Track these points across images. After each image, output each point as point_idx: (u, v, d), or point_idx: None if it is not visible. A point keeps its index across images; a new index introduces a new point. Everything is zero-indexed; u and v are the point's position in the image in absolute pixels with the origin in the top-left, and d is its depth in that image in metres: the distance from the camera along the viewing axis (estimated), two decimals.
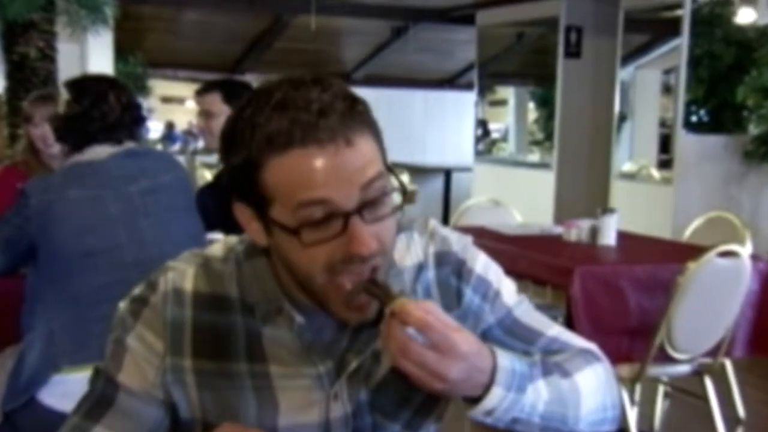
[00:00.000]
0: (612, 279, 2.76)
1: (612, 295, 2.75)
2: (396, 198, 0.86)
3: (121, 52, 5.79)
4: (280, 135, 0.80)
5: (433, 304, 0.84)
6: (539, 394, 0.88)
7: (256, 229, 0.86)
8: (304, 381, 0.90)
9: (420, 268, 0.96)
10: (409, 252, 0.95)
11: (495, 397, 0.84)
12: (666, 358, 2.74)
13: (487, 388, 0.84)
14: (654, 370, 2.79)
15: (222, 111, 2.45)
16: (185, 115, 11.17)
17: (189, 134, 10.46)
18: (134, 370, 0.90)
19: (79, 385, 0.96)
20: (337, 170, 0.80)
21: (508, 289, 1.00)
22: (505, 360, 0.86)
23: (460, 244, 0.98)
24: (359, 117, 0.82)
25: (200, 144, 7.88)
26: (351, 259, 0.81)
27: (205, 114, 2.51)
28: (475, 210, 4.09)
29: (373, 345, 0.90)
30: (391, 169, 0.86)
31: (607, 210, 3.32)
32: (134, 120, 1.92)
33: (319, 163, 0.79)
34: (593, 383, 0.94)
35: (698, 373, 2.88)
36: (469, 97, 7.65)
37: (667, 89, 5.89)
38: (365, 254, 0.81)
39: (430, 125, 9.08)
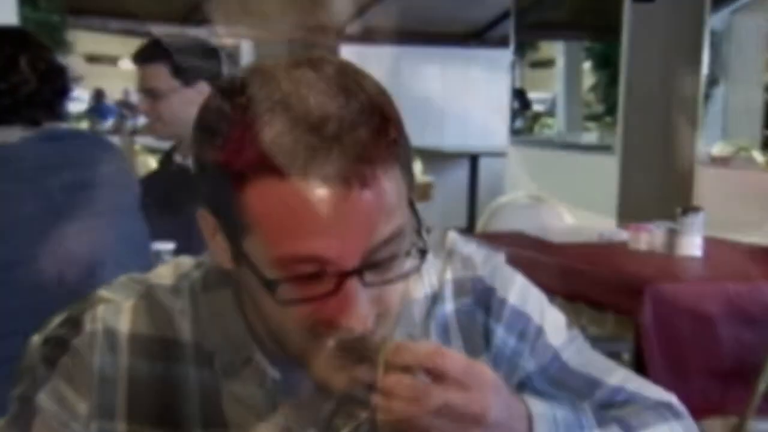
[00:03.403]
0: (697, 302, 2.77)
1: (697, 324, 2.75)
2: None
3: None
4: (278, 152, 0.77)
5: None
6: None
7: (222, 246, 0.86)
8: None
9: (434, 299, 0.96)
10: (421, 278, 0.96)
11: None
12: None
13: None
14: (758, 425, 2.79)
15: (172, 89, 2.40)
16: (119, 80, 11.14)
17: (125, 106, 10.47)
18: None
19: None
20: (341, 221, 0.77)
21: (554, 323, 1.00)
22: (542, 407, 0.86)
23: (488, 265, 0.99)
24: (388, 147, 0.79)
25: (140, 120, 7.90)
26: (337, 326, 0.81)
27: (148, 93, 2.44)
28: (510, 209, 4.10)
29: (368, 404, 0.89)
30: (417, 212, 0.83)
31: (689, 209, 3.32)
32: (55, 92, 1.93)
33: (319, 206, 0.77)
34: None
35: None
36: (503, 57, 7.66)
37: None
38: (356, 329, 0.80)
39: (450, 95, 9.09)
